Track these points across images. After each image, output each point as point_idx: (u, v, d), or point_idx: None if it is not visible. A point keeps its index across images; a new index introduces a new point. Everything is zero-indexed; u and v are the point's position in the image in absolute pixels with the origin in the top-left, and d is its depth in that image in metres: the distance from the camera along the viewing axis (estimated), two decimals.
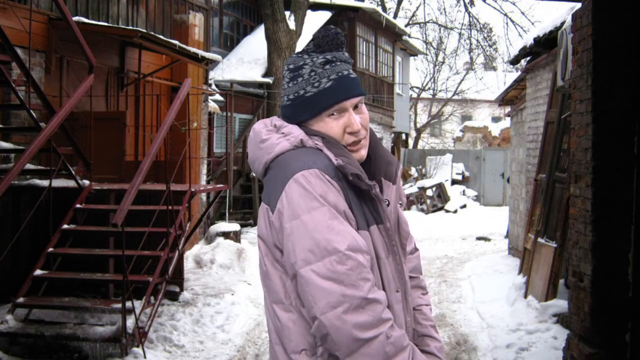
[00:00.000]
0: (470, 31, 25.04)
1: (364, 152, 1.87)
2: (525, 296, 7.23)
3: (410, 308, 1.90)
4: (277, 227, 1.72)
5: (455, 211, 19.25)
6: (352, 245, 1.66)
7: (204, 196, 11.67)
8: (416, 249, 2.12)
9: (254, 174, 13.87)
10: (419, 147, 31.12)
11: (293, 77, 1.85)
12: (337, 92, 1.81)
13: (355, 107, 1.85)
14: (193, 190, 7.02)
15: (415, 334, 1.94)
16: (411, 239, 2.06)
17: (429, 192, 19.73)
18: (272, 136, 1.83)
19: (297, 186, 1.69)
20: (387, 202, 1.87)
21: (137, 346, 5.38)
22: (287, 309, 1.74)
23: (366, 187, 1.76)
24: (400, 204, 1.96)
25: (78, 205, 6.52)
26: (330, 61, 1.83)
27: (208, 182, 12.26)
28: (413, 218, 16.66)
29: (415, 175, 21.99)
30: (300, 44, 15.67)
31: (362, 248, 1.69)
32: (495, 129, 30.75)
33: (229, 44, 16.45)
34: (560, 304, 6.32)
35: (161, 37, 9.01)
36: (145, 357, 5.34)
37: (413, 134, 31.88)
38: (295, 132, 1.81)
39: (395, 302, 1.80)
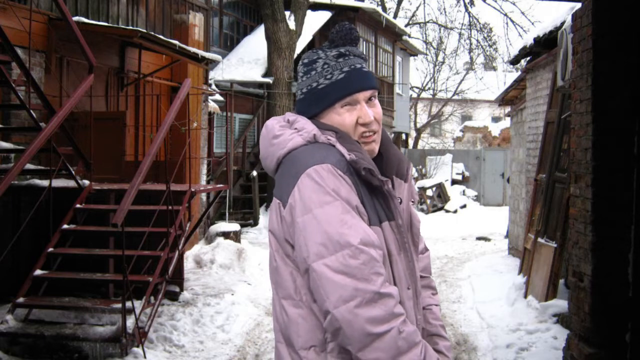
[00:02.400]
0: (470, 31, 25.05)
1: (375, 147, 1.86)
2: (525, 296, 7.23)
3: (420, 306, 1.90)
4: (289, 222, 1.73)
5: (455, 211, 19.25)
6: (365, 240, 1.66)
7: (204, 196, 11.67)
8: (426, 249, 2.13)
9: (254, 174, 13.90)
10: (419, 147, 31.11)
11: (307, 71, 1.86)
12: (350, 84, 1.81)
13: (369, 100, 1.85)
14: (193, 190, 7.01)
15: (425, 332, 1.94)
16: (421, 239, 2.06)
17: (429, 192, 19.73)
18: (285, 132, 1.83)
19: (310, 181, 1.69)
20: (399, 200, 1.87)
21: (137, 346, 5.38)
22: (297, 305, 1.74)
23: (378, 182, 1.76)
24: (413, 201, 1.97)
25: (78, 205, 6.52)
26: (344, 54, 1.84)
27: (208, 182, 12.26)
28: None
29: (415, 175, 21.98)
30: (300, 44, 15.67)
31: (374, 242, 1.68)
32: (495, 129, 30.73)
33: (229, 44, 16.45)
34: (560, 304, 6.32)
35: (161, 37, 9.01)
36: (145, 357, 5.33)
37: (413, 134, 31.88)
38: (309, 128, 1.81)
39: (406, 299, 1.80)
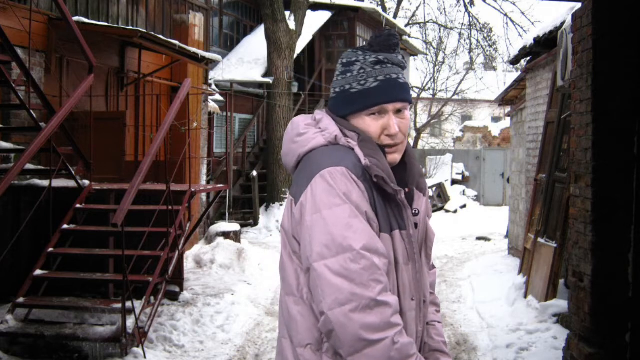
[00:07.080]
0: (470, 31, 25.04)
1: (397, 157, 1.87)
2: (525, 296, 7.23)
3: (424, 319, 1.89)
4: (297, 219, 1.75)
5: (455, 211, 19.25)
6: (368, 246, 1.67)
7: (204, 196, 11.66)
8: (433, 266, 2.13)
9: (254, 174, 13.90)
10: (419, 147, 31.07)
11: (344, 72, 1.88)
12: (380, 94, 1.82)
13: (399, 112, 1.85)
14: (193, 190, 7.01)
15: (427, 348, 1.95)
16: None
17: (429, 192, 19.70)
18: (309, 130, 1.86)
19: (323, 182, 1.71)
20: (416, 212, 1.88)
21: (137, 346, 5.38)
22: (298, 302, 1.76)
23: (392, 191, 1.77)
24: (428, 217, 1.98)
25: (78, 205, 6.52)
26: (381, 62, 1.86)
27: (208, 182, 12.25)
28: None
29: None
30: (300, 44, 15.67)
31: (378, 250, 1.69)
32: (495, 129, 30.70)
33: (229, 44, 16.45)
34: (560, 304, 6.32)
35: (161, 37, 9.01)
36: (145, 357, 5.34)
37: (413, 134, 31.82)
38: (331, 128, 1.83)
39: (408, 309, 1.80)
